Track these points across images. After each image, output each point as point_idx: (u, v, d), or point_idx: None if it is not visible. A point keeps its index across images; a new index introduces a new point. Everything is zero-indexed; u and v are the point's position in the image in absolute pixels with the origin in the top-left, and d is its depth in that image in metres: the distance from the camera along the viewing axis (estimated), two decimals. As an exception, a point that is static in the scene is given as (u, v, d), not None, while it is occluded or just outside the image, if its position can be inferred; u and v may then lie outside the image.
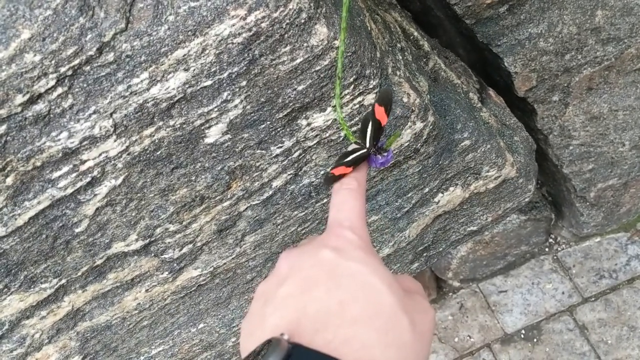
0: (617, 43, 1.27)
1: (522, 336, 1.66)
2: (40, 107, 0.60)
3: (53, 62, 0.58)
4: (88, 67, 0.59)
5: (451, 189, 0.96)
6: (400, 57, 0.87)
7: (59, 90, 0.60)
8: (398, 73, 0.81)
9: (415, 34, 1.02)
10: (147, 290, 0.85)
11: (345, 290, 0.35)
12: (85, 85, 0.60)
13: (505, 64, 1.22)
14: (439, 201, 0.97)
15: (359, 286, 0.35)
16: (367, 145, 0.52)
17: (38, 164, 0.64)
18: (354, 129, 0.77)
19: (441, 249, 1.10)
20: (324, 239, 0.40)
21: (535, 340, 1.64)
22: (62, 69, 0.58)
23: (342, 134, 0.78)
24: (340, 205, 0.44)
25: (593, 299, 1.66)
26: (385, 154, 0.52)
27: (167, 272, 0.84)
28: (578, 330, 1.63)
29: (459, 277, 1.71)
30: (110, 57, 0.59)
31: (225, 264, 0.87)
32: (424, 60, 0.99)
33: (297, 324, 0.34)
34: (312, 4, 0.63)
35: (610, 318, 1.62)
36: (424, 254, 1.09)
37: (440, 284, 1.77)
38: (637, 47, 1.29)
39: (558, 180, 1.58)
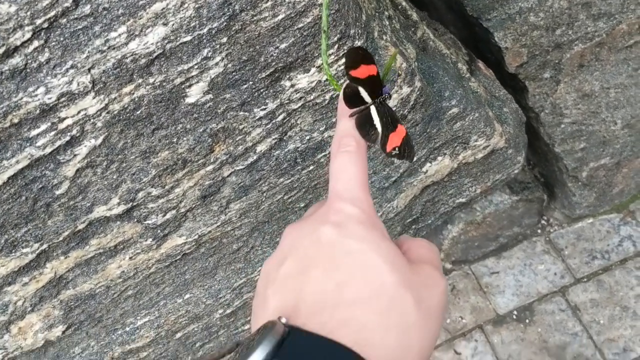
0: (608, 18, 1.26)
1: (515, 317, 1.65)
2: (16, 60, 0.59)
3: (29, 13, 0.57)
4: (64, 20, 0.58)
5: (439, 158, 0.95)
6: (387, 24, 0.86)
7: (35, 43, 0.59)
8: (385, 37, 0.81)
9: (404, 4, 1.01)
10: (131, 258, 0.84)
11: (344, 271, 0.34)
12: (61, 38, 0.59)
13: (496, 38, 1.21)
14: (427, 171, 0.96)
15: (358, 265, 0.34)
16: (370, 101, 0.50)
17: (15, 120, 0.63)
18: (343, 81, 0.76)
19: (430, 221, 1.09)
20: (325, 214, 0.38)
21: (527, 321, 1.64)
22: (38, 21, 0.57)
23: (333, 91, 0.77)
24: (339, 174, 0.41)
25: (585, 279, 1.65)
26: (384, 88, 0.50)
27: (151, 239, 0.83)
28: (570, 310, 1.62)
29: (451, 259, 1.70)
30: (87, 9, 0.58)
31: (210, 232, 0.86)
32: (412, 29, 0.98)
33: (294, 306, 0.33)
34: (293, -41, 0.62)
35: (602, 299, 1.61)
36: (413, 226, 1.08)
37: (432, 266, 1.76)
38: (629, 23, 1.28)
39: (550, 160, 1.57)
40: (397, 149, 0.49)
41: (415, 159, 0.92)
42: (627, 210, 1.73)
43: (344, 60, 0.57)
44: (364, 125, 0.48)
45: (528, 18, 1.20)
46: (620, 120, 1.46)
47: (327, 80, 0.75)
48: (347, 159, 0.41)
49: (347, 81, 0.50)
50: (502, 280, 1.70)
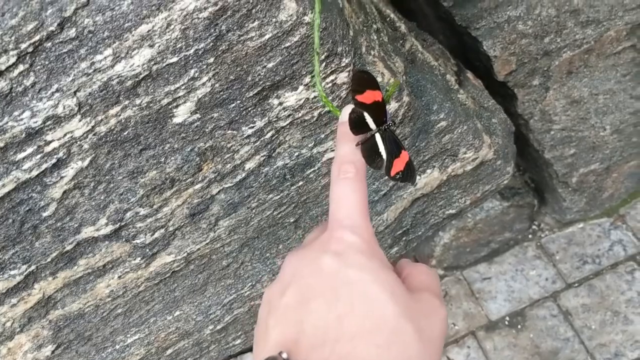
0: (596, 26, 1.27)
1: (507, 323, 1.65)
2: (1, 85, 0.59)
3: (13, 38, 0.56)
4: (49, 44, 0.58)
5: (428, 171, 0.95)
6: (375, 38, 0.86)
7: (20, 67, 0.58)
8: (372, 52, 0.80)
9: (392, 15, 1.01)
10: (119, 277, 0.83)
11: (344, 302, 0.34)
12: (47, 62, 0.59)
13: (484, 47, 1.22)
14: (416, 184, 0.96)
15: (359, 297, 0.34)
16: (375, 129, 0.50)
17: (1, 144, 0.62)
18: (336, 103, 0.76)
19: (420, 232, 1.09)
20: (325, 242, 0.39)
21: (519, 326, 1.64)
22: (23, 45, 0.57)
23: (322, 108, 0.77)
24: (340, 201, 0.42)
25: (577, 284, 1.66)
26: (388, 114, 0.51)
27: (139, 258, 0.82)
28: (562, 315, 1.63)
29: (443, 265, 1.71)
30: (72, 32, 0.58)
31: (199, 249, 0.86)
32: (401, 42, 0.98)
33: (295, 339, 0.33)
34: (280, -22, 0.62)
35: (593, 303, 1.62)
36: (403, 238, 1.08)
37: (424, 272, 1.77)
38: (617, 29, 1.29)
39: (540, 165, 1.58)
40: (400, 173, 0.49)
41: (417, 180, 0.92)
42: (618, 214, 1.74)
43: (350, 84, 0.57)
44: (370, 153, 0.48)
45: (516, 26, 1.20)
46: (609, 125, 1.47)
47: (315, 98, 0.75)
48: (348, 185, 0.42)
49: (352, 106, 0.50)
50: (493, 286, 1.70)
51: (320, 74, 0.72)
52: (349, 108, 0.50)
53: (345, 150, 0.46)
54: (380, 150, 0.49)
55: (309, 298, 0.35)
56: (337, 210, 0.41)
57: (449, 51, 1.24)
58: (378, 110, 0.50)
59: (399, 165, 0.49)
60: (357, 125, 0.48)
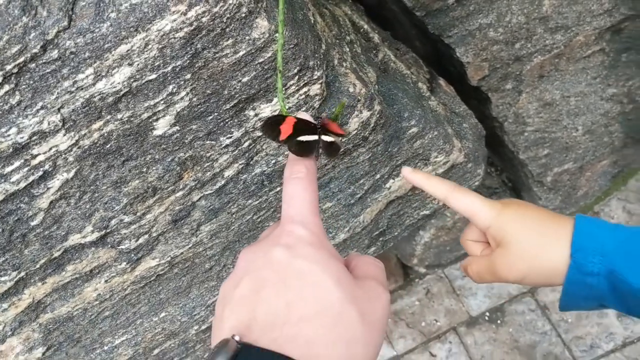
0: (565, 31, 1.31)
1: (487, 318, 1.71)
2: (-12, 103, 0.62)
3: (-1, 60, 0.60)
4: (33, 65, 0.61)
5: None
6: (348, 49, 0.90)
7: (6, 87, 0.62)
8: (344, 64, 0.85)
9: (366, 27, 1.05)
10: (106, 281, 0.87)
11: (294, 290, 0.37)
12: (31, 82, 0.62)
13: (457, 54, 1.26)
14: (390, 187, 1.01)
15: (307, 285, 0.37)
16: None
17: (-11, 159, 0.66)
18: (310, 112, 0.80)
19: (396, 233, 1.14)
20: (277, 236, 0.41)
21: (499, 321, 1.69)
22: (8, 67, 0.60)
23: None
24: (291, 199, 0.45)
25: (554, 280, 1.71)
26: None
27: (125, 263, 0.86)
28: (540, 310, 1.68)
29: (424, 263, 1.75)
30: (55, 54, 0.61)
31: (182, 253, 0.90)
32: (374, 52, 1.02)
33: (247, 325, 0.36)
34: (252, -1, 0.66)
35: (569, 298, 1.68)
36: (380, 239, 1.12)
37: (407, 270, 1.81)
38: (585, 34, 1.34)
39: (516, 166, 1.63)
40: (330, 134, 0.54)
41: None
42: (592, 211, 1.79)
43: (266, 138, 0.63)
44: (306, 152, 0.52)
45: (487, 33, 1.25)
46: (581, 126, 1.52)
47: (290, 109, 0.79)
48: (299, 185, 0.46)
49: (288, 150, 0.54)
50: (474, 283, 1.75)
51: (294, 86, 0.76)
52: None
53: None
54: (313, 148, 0.54)
55: (261, 288, 0.37)
56: (289, 207, 0.44)
57: (424, 58, 1.28)
58: (303, 124, 0.55)
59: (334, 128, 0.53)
60: (304, 150, 0.52)
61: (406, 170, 0.66)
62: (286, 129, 0.54)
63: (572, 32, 1.32)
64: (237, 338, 0.34)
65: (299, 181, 0.46)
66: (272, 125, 0.55)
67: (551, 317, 1.67)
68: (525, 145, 1.51)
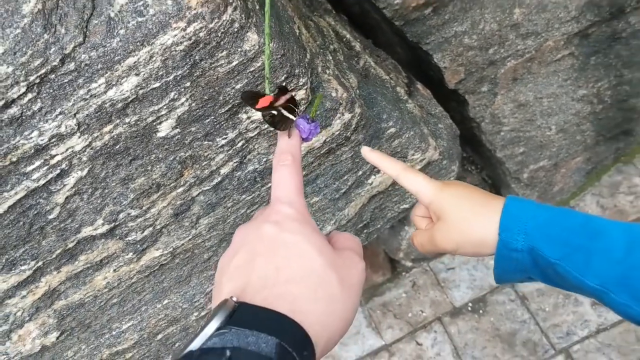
0: (535, 37, 1.41)
1: (470, 309, 1.80)
2: (13, 110, 0.71)
3: (23, 72, 0.68)
4: (53, 75, 0.70)
5: (382, 171, 1.09)
6: (331, 58, 0.99)
7: (29, 95, 0.70)
8: (327, 72, 0.94)
9: (348, 36, 1.14)
10: (115, 270, 0.96)
11: (282, 258, 0.42)
12: (51, 90, 0.71)
13: (435, 60, 1.35)
14: (372, 182, 1.10)
15: (293, 253, 0.42)
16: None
17: (14, 159, 0.75)
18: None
19: (379, 225, 1.23)
20: (267, 215, 0.46)
21: (481, 311, 1.79)
22: (31, 78, 0.69)
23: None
24: (279, 184, 0.49)
25: (533, 271, 1.80)
26: (313, 123, 0.60)
27: (131, 253, 0.95)
28: (519, 300, 1.78)
29: (410, 257, 1.84)
30: (72, 66, 0.70)
31: (183, 244, 0.99)
32: (356, 59, 1.11)
33: (243, 288, 0.40)
34: (243, 15, 0.75)
35: (547, 288, 1.77)
36: (364, 231, 1.22)
37: (394, 264, 1.91)
38: (555, 39, 1.43)
39: (494, 164, 1.72)
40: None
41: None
42: (568, 206, 1.88)
43: (244, 103, 0.70)
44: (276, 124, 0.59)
45: (463, 40, 1.34)
46: (554, 126, 1.62)
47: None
48: (286, 170, 0.50)
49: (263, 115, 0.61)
50: (457, 275, 1.85)
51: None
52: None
53: (283, 143, 0.56)
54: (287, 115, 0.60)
55: (253, 258, 0.42)
56: (277, 190, 0.49)
57: (405, 63, 1.38)
58: (289, 101, 0.61)
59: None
60: (278, 123, 0.59)
61: (365, 149, 0.72)
62: (263, 102, 0.62)
63: (542, 37, 1.41)
64: (234, 299, 0.39)
65: (285, 168, 0.50)
66: (252, 95, 0.62)
67: (530, 307, 1.76)
68: (501, 144, 1.60)
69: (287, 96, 0.60)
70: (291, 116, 0.61)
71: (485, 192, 0.67)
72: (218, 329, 0.36)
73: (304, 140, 0.61)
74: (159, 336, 1.12)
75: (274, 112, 0.60)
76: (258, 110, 0.61)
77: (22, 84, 0.69)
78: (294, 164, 0.51)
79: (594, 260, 0.57)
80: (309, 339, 0.38)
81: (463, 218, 0.64)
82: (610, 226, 0.59)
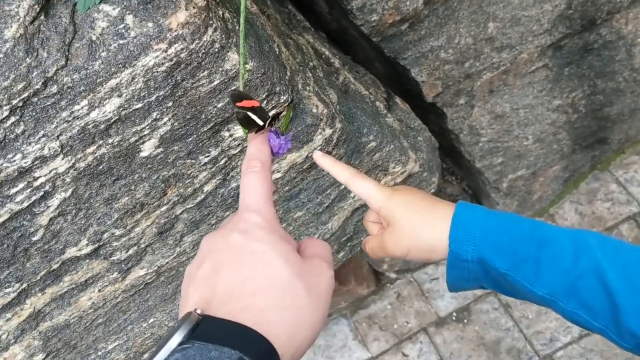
0: (510, 50, 1.44)
1: (454, 318, 1.82)
2: (-4, 134, 0.72)
3: (6, 96, 0.69)
4: (36, 98, 0.71)
5: (364, 184, 1.11)
6: (311, 75, 1.01)
7: (12, 119, 0.71)
8: (308, 88, 0.96)
9: (327, 53, 1.16)
10: (99, 290, 0.96)
11: (248, 268, 0.42)
12: (34, 113, 0.72)
13: (412, 74, 1.38)
14: (355, 196, 1.11)
15: (260, 263, 0.42)
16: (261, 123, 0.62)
17: (-3, 182, 0.75)
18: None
19: (363, 238, 1.24)
20: (235, 223, 0.46)
21: (465, 321, 1.81)
22: (14, 101, 0.70)
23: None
24: (247, 189, 0.49)
25: (516, 280, 1.83)
26: (284, 137, 0.62)
27: (116, 273, 0.95)
28: (502, 308, 1.80)
29: (394, 269, 1.86)
30: (54, 89, 0.71)
31: (167, 262, 0.99)
32: (335, 75, 1.13)
33: (208, 300, 0.40)
34: (223, 36, 0.76)
35: (529, 295, 1.80)
36: (348, 244, 1.23)
37: (378, 276, 1.92)
38: (529, 52, 1.47)
39: (474, 174, 1.75)
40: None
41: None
42: (548, 214, 1.92)
43: (230, 100, 0.76)
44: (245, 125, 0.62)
45: (439, 54, 1.37)
46: (531, 135, 1.65)
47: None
48: (255, 177, 0.50)
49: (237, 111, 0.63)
50: (441, 285, 1.87)
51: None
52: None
53: (252, 150, 0.56)
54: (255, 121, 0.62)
55: (220, 267, 0.42)
56: (245, 197, 0.49)
57: (384, 77, 1.40)
58: (260, 111, 0.63)
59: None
60: (245, 122, 0.61)
61: (317, 154, 0.73)
62: (245, 104, 0.63)
63: (517, 50, 1.45)
64: (198, 311, 0.39)
65: (254, 174, 0.50)
66: (239, 96, 0.64)
67: (513, 315, 1.78)
68: (480, 154, 1.63)
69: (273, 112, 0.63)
70: (259, 121, 0.62)
71: (434, 198, 0.68)
72: (181, 343, 0.36)
73: (275, 154, 0.61)
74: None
75: (249, 113, 0.61)
76: (236, 107, 0.62)
77: (5, 107, 0.70)
78: (263, 171, 0.52)
79: (542, 270, 0.58)
80: (274, 351, 0.38)
81: (413, 225, 0.65)
82: (558, 234, 0.60)
